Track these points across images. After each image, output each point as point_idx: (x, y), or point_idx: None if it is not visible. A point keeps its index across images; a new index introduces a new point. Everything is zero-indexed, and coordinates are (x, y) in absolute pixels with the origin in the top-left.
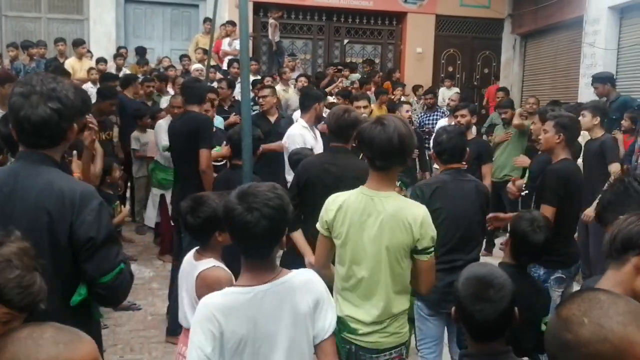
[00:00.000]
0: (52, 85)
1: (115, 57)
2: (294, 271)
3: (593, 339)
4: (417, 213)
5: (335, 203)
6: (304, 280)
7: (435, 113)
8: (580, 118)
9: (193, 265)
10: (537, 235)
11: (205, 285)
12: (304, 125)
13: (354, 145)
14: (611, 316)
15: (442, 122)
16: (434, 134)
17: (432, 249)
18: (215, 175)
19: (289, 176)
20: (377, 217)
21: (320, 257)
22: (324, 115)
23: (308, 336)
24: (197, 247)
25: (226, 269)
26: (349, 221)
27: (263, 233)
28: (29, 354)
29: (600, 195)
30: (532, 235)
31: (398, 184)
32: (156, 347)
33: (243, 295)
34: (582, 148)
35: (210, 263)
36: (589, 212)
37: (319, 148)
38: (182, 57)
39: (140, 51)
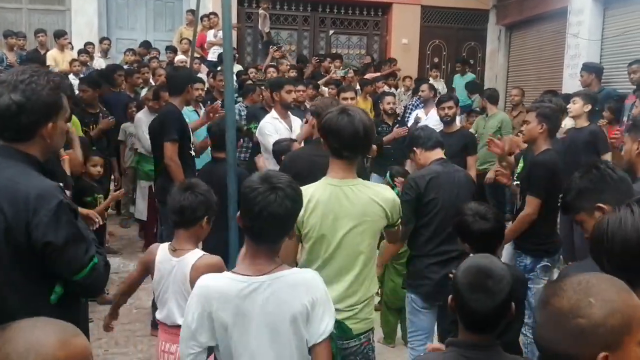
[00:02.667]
0: (23, 77)
1: (86, 45)
2: (296, 269)
3: (606, 314)
4: (387, 195)
5: (304, 197)
6: (303, 279)
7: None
8: (570, 105)
9: (174, 262)
10: (478, 224)
11: (201, 275)
12: (274, 116)
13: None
14: (607, 289)
15: (419, 112)
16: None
17: (399, 219)
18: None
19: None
20: (350, 206)
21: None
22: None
23: (299, 335)
24: (168, 244)
25: (213, 256)
26: (321, 213)
27: (285, 213)
28: (24, 337)
29: (571, 183)
30: (474, 225)
31: (387, 175)
32: (141, 341)
33: (237, 283)
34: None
35: (198, 253)
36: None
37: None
38: (167, 48)
39: (145, 44)
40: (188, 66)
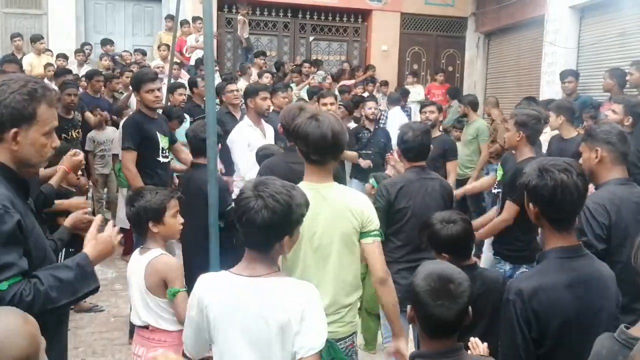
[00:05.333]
0: None
1: (77, 52)
2: (295, 279)
3: None
4: (359, 199)
5: None
6: (298, 289)
7: (404, 110)
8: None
9: (139, 260)
10: (448, 230)
11: (155, 272)
12: (248, 123)
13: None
14: None
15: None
16: (399, 131)
17: (376, 232)
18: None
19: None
20: (327, 208)
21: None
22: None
23: (286, 346)
24: (141, 245)
25: (171, 256)
26: None
27: (262, 223)
28: None
29: None
30: (444, 231)
31: (371, 181)
32: (119, 349)
33: (230, 280)
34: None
35: (157, 252)
36: None
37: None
38: (136, 50)
39: (107, 42)
40: (167, 71)
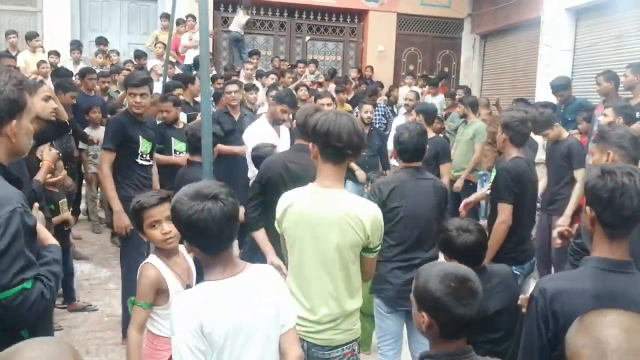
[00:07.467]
0: None
1: (72, 50)
2: (254, 264)
3: None
4: (369, 212)
5: (284, 201)
6: (267, 272)
7: (376, 110)
8: None
9: None
10: (463, 238)
11: (138, 279)
12: (265, 122)
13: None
14: None
15: (399, 120)
16: (394, 132)
17: (379, 246)
18: None
19: (252, 174)
20: (329, 216)
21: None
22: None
23: (277, 325)
24: None
25: (156, 267)
26: (300, 220)
27: (231, 216)
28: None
29: None
30: (459, 239)
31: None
32: (113, 349)
33: (218, 288)
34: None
35: (148, 258)
36: (563, 221)
37: (282, 145)
38: (136, 52)
39: (102, 41)
40: (161, 71)
